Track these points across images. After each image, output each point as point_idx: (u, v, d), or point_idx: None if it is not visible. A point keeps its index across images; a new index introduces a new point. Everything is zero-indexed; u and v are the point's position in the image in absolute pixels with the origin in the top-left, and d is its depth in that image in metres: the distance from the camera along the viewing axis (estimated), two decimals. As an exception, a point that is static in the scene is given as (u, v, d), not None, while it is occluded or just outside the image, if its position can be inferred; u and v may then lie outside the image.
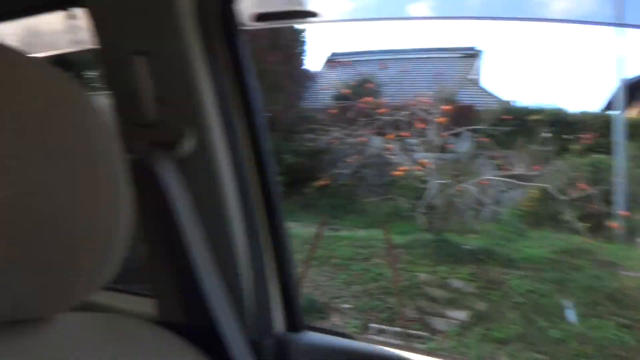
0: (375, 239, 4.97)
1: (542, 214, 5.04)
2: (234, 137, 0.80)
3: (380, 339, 3.78)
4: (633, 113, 5.59)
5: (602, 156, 5.14)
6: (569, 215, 4.78)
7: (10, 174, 0.35)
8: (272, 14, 0.83)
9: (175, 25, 0.72)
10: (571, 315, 3.78)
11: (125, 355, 0.50)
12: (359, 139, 5.75)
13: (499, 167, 5.22)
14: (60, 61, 1.19)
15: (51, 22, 1.00)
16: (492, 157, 5.31)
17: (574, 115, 5.95)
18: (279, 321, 0.88)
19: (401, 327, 3.85)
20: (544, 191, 4.96)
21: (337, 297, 4.35)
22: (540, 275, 4.28)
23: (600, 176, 4.95)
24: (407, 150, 5.53)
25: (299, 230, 4.96)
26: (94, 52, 0.77)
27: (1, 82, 0.36)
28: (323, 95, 6.83)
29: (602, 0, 0.85)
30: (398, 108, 5.50)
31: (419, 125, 5.36)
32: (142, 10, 0.72)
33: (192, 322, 0.73)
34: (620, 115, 5.20)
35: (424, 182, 5.16)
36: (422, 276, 4.44)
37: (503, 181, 5.11)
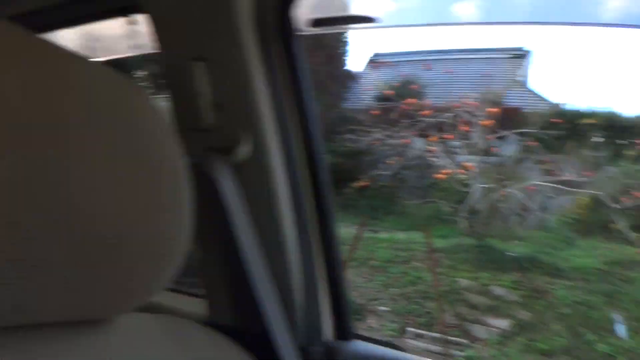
0: (415, 242, 4.91)
1: (593, 222, 4.82)
2: (289, 143, 0.81)
3: (418, 343, 3.73)
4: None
5: (659, 163, 4.88)
6: (621, 224, 4.57)
7: (77, 179, 0.35)
8: (328, 19, 0.82)
9: (234, 31, 0.72)
10: (621, 329, 3.61)
11: (179, 357, 0.51)
12: (400, 141, 5.68)
13: (547, 172, 5.02)
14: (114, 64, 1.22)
15: (111, 27, 1.03)
16: (540, 162, 5.13)
17: (628, 119, 5.65)
18: (328, 329, 0.88)
19: (439, 333, 3.78)
20: (595, 198, 4.74)
21: (375, 300, 4.31)
22: (588, 286, 4.11)
23: (656, 184, 4.70)
24: (450, 152, 5.42)
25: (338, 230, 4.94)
26: (152, 56, 0.79)
27: (68, 87, 0.36)
28: (365, 96, 6.78)
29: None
30: (442, 110, 5.40)
31: (463, 127, 5.25)
32: (202, 17, 0.73)
33: (243, 325, 0.74)
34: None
35: (467, 185, 5.05)
36: (463, 282, 4.35)
37: (551, 187, 4.93)
